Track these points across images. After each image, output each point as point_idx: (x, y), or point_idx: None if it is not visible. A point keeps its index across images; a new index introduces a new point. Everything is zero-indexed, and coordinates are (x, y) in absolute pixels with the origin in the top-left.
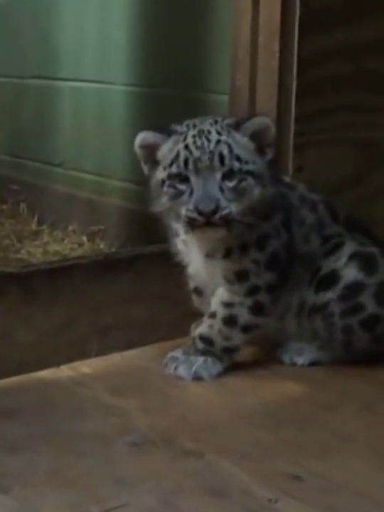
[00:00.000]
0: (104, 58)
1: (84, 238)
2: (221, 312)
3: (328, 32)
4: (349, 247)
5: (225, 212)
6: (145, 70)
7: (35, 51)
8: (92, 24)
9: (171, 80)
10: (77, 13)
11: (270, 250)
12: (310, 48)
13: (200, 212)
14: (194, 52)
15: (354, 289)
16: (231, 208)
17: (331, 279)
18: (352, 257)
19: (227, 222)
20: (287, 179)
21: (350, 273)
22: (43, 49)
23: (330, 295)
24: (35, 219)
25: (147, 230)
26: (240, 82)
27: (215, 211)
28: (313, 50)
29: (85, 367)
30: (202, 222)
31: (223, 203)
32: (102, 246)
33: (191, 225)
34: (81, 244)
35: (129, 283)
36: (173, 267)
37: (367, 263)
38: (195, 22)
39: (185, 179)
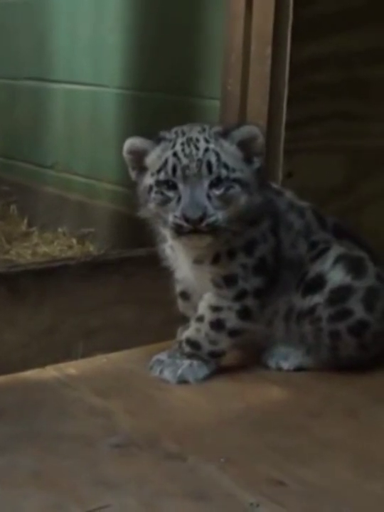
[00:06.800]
0: (98, 61)
1: (74, 240)
2: (208, 316)
3: (321, 39)
4: (335, 251)
5: (211, 219)
6: (138, 73)
7: (29, 53)
8: (85, 27)
9: (163, 84)
10: (71, 16)
11: (258, 255)
12: (302, 54)
13: (187, 220)
14: (186, 57)
15: (341, 292)
16: (218, 215)
17: (317, 283)
18: (338, 259)
19: (213, 229)
20: (275, 185)
21: (337, 276)
22: (37, 51)
23: (317, 299)
24: (26, 220)
25: (137, 233)
26: (232, 87)
27: (202, 218)
28: (305, 57)
29: (71, 368)
30: (189, 229)
31: (210, 210)
32: (91, 248)
33: (178, 231)
34: (71, 247)
35: (117, 285)
36: (160, 271)
37: (354, 266)
38: (188, 27)
39: (173, 186)
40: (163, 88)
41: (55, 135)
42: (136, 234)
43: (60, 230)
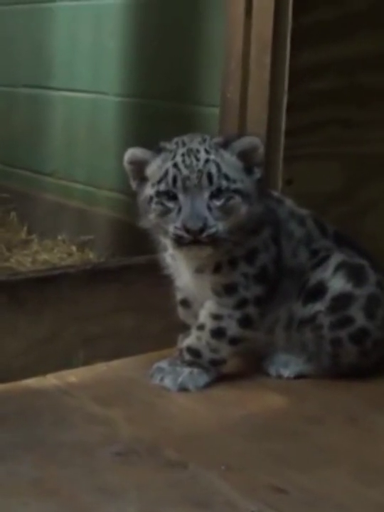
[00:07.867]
0: (97, 68)
1: (74, 248)
2: (209, 324)
3: (320, 46)
4: (336, 258)
5: (212, 230)
6: (137, 80)
7: (28, 60)
8: (84, 34)
9: (162, 92)
10: (70, 23)
11: (259, 264)
12: (301, 61)
13: (187, 230)
14: (186, 64)
15: (342, 300)
16: (218, 226)
17: (318, 291)
18: (339, 267)
19: (214, 240)
20: (275, 194)
21: (337, 284)
22: (35, 58)
23: (318, 307)
24: (25, 228)
25: (136, 240)
26: (231, 94)
27: (202, 229)
28: (304, 63)
29: (71, 376)
30: (189, 239)
31: (211, 221)
32: (91, 256)
33: (178, 242)
34: (70, 254)
35: (117, 293)
36: (160, 278)
37: (355, 274)
38: (187, 34)
39: (173, 197)
40: (162, 95)
41: (55, 142)
42: (136, 241)
43: (59, 237)
